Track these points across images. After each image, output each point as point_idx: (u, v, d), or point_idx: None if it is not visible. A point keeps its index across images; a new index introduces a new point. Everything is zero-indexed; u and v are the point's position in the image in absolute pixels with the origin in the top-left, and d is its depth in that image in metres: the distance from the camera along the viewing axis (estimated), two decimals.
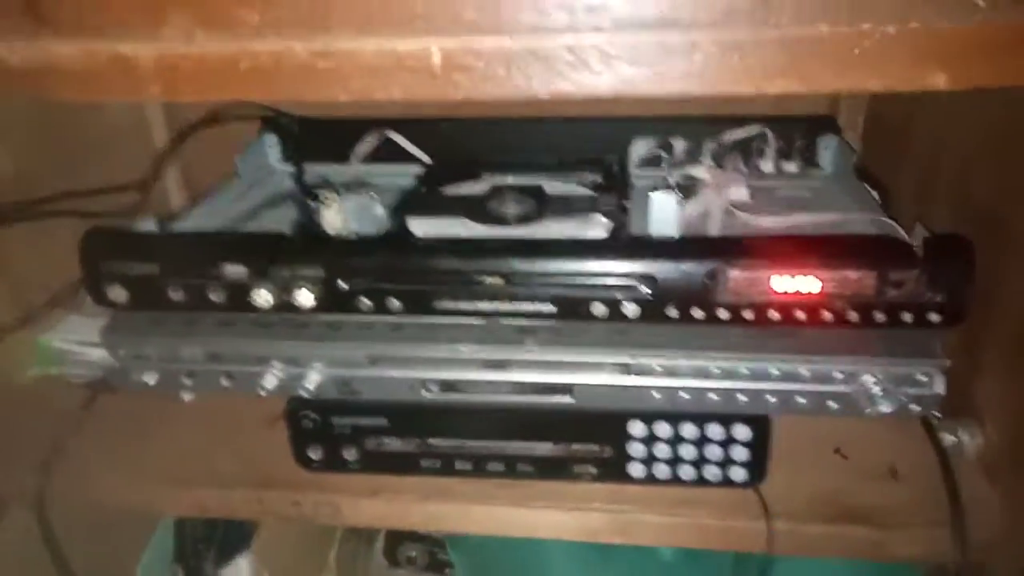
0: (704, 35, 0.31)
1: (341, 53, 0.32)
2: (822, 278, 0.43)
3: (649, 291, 0.45)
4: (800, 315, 0.45)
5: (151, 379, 0.51)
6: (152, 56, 0.33)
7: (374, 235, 0.51)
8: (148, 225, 0.54)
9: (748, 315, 0.45)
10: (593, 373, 0.47)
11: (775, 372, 0.46)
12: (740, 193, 0.60)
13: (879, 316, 0.44)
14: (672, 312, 0.45)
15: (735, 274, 0.44)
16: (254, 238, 0.48)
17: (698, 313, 0.45)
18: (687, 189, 0.59)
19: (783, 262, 0.44)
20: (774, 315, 0.45)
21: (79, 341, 0.63)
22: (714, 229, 0.55)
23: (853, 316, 0.44)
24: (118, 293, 0.48)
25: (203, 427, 0.57)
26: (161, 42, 0.33)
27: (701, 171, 0.59)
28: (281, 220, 0.57)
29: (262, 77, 0.33)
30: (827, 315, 0.44)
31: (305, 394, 0.49)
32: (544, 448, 0.49)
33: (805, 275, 0.43)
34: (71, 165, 0.61)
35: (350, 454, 0.51)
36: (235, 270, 0.47)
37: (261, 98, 0.33)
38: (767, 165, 0.66)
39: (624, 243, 0.48)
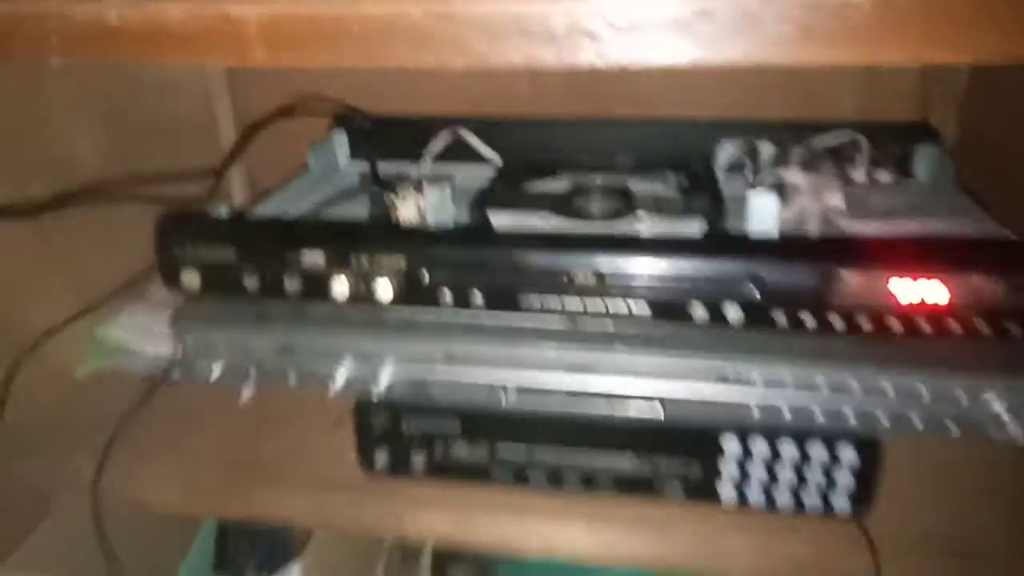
0: None
1: (459, 15, 0.30)
2: (948, 283, 0.40)
3: (757, 293, 0.41)
4: (921, 325, 0.41)
5: (216, 370, 0.49)
6: (258, 17, 0.31)
7: (457, 226, 0.49)
8: (222, 213, 0.52)
9: (863, 323, 0.41)
10: (687, 381, 0.44)
11: (890, 388, 0.42)
12: (836, 199, 0.56)
13: (1011, 328, 0.40)
14: (780, 317, 0.42)
15: (853, 277, 0.40)
16: (334, 226, 0.46)
17: (808, 320, 0.41)
18: (779, 193, 0.56)
19: (905, 265, 0.40)
20: (892, 324, 0.41)
21: (138, 333, 0.62)
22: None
23: (981, 327, 0.40)
24: (192, 278, 0.47)
25: (262, 425, 0.55)
26: (269, 2, 0.31)
27: (794, 175, 0.56)
28: (356, 213, 0.55)
29: (373, 41, 0.31)
30: (952, 325, 0.40)
31: (376, 393, 0.47)
32: (627, 462, 0.46)
33: (929, 280, 0.40)
34: (139, 153, 0.60)
35: (418, 459, 0.48)
36: (314, 257, 0.45)
37: (371, 64, 0.31)
38: (859, 173, 0.62)
39: (730, 240, 0.44)
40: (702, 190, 0.53)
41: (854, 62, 0.29)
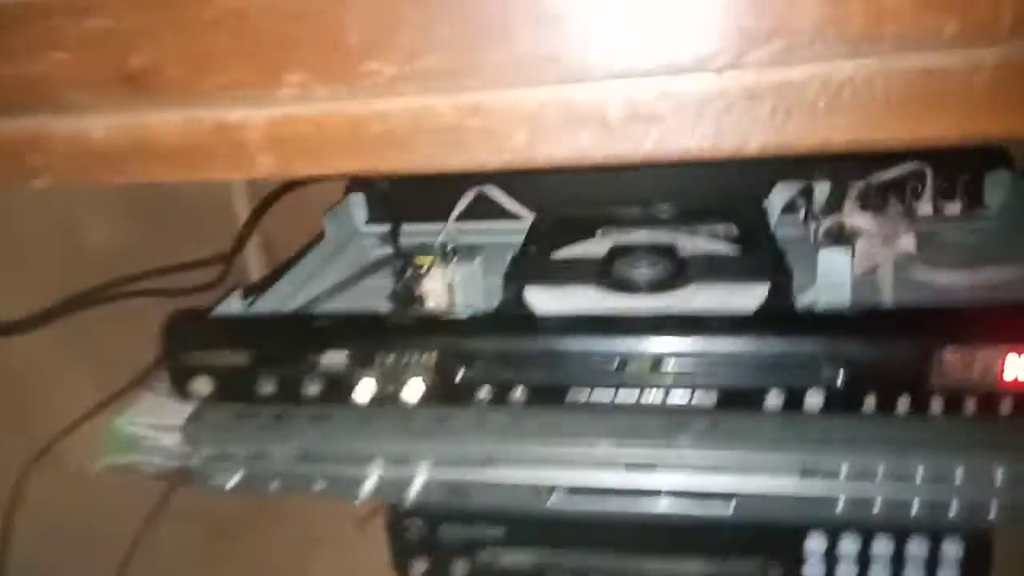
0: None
1: (495, 107, 0.25)
2: None
3: (841, 376, 0.36)
4: None
5: (235, 479, 0.45)
6: (263, 122, 0.27)
7: (490, 313, 0.44)
8: (234, 303, 0.48)
9: (968, 405, 0.35)
10: (762, 475, 0.38)
11: (999, 475, 0.36)
12: (907, 242, 0.51)
13: None
14: (869, 403, 0.36)
15: (951, 355, 0.35)
16: (355, 321, 0.41)
17: (903, 403, 0.36)
18: (843, 239, 0.50)
19: (1016, 338, 0.34)
20: (1002, 405, 0.35)
21: (154, 425, 0.58)
22: (887, 289, 0.46)
23: None
24: (202, 385, 0.42)
25: (290, 528, 0.50)
26: (274, 105, 0.26)
27: (859, 218, 0.50)
28: (377, 291, 0.51)
29: (396, 142, 0.26)
30: None
31: (410, 498, 0.42)
32: (696, 567, 0.41)
33: None
34: (153, 236, 0.56)
35: (460, 570, 0.43)
36: (334, 359, 0.40)
37: (395, 168, 0.27)
38: (925, 206, 0.57)
39: (805, 315, 0.39)
40: (758, 244, 0.48)
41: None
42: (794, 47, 0.23)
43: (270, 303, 0.52)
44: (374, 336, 0.40)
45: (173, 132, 0.27)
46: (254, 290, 0.51)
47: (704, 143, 0.24)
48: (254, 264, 0.67)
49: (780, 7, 0.22)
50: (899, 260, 0.48)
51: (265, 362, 0.41)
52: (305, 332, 0.41)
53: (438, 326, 0.40)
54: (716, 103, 0.24)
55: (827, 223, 0.51)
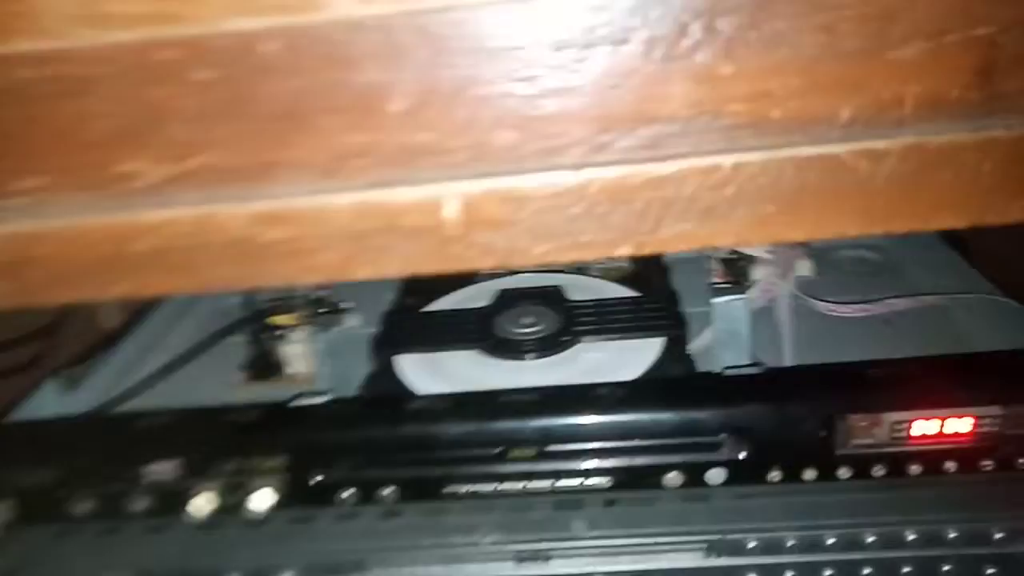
0: None
1: (298, 216, 0.19)
2: (980, 415, 0.32)
3: (742, 449, 0.33)
4: (948, 465, 0.33)
5: None
6: None
7: (350, 399, 0.38)
8: (49, 394, 0.41)
9: (878, 471, 0.33)
10: (667, 556, 0.35)
11: (913, 538, 0.34)
12: (804, 268, 0.48)
13: None
14: (774, 475, 0.33)
15: (862, 419, 0.32)
16: (187, 420, 0.35)
17: (809, 473, 0.33)
18: (736, 269, 0.47)
19: (929, 398, 0.32)
20: (912, 468, 0.33)
21: None
22: (785, 327, 0.43)
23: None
24: (5, 509, 0.35)
25: None
26: (5, 220, 0.20)
27: (757, 246, 0.47)
28: (229, 359, 0.44)
29: (170, 261, 0.20)
30: (987, 461, 0.33)
31: None
32: None
33: (960, 416, 0.32)
34: None
35: None
36: (164, 469, 0.33)
37: (172, 291, 0.20)
38: None
39: (703, 382, 0.35)
40: (652, 283, 0.44)
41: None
42: (664, 138, 0.18)
43: (101, 384, 0.44)
44: (210, 438, 0.34)
45: None
46: (77, 370, 0.43)
47: (561, 251, 0.20)
48: (105, 316, 0.58)
49: (644, 91, 0.18)
50: (798, 292, 0.46)
51: (80, 477, 0.34)
52: (126, 438, 0.34)
53: (287, 420, 0.34)
54: (573, 206, 0.19)
55: (723, 252, 0.48)
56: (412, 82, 0.19)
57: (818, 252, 0.50)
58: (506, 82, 0.18)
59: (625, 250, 0.19)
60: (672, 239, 0.19)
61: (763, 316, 0.44)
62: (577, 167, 0.19)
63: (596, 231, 0.19)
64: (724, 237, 0.19)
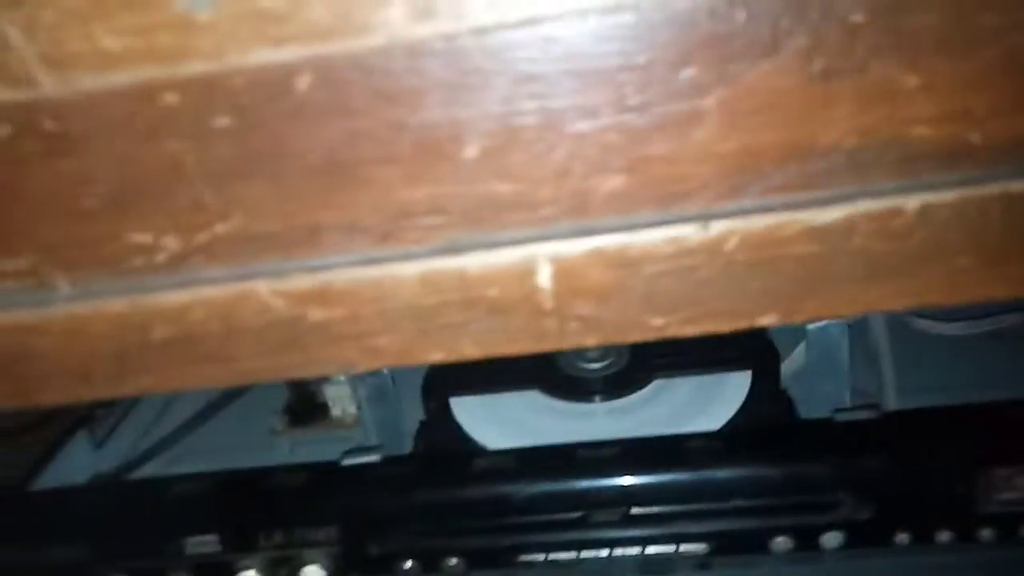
0: None
1: (355, 290, 0.15)
2: None
3: (863, 508, 0.28)
4: None
5: None
6: None
7: (408, 456, 0.34)
8: (79, 451, 0.38)
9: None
10: None
11: None
12: None
13: None
14: (901, 537, 0.28)
15: (1009, 470, 0.27)
16: (227, 485, 0.31)
17: (944, 535, 0.28)
18: None
19: None
20: None
21: None
22: (884, 351, 0.38)
23: None
24: None
25: None
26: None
27: None
28: (266, 404, 0.41)
29: (199, 350, 0.16)
30: None
31: None
32: None
33: None
34: None
35: None
36: (203, 544, 0.30)
37: (201, 384, 0.17)
38: None
39: (812, 429, 0.31)
40: None
41: None
42: (824, 175, 0.14)
43: (131, 434, 0.41)
44: (254, 506, 0.30)
45: None
46: (106, 420, 0.40)
47: (688, 323, 0.15)
48: None
49: (798, 114, 0.13)
50: (902, 315, 0.41)
51: (110, 555, 0.31)
52: (161, 508, 0.31)
53: (337, 483, 0.31)
54: (702, 267, 0.15)
55: None
56: (489, 119, 0.14)
57: None
58: (611, 113, 0.14)
59: (771, 319, 0.15)
60: (833, 304, 0.15)
61: (855, 335, 0.39)
62: (706, 218, 0.14)
63: (733, 297, 0.15)
64: (903, 299, 0.15)
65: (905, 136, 0.14)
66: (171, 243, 0.16)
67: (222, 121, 0.14)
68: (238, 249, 0.16)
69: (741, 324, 0.15)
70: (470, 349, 0.16)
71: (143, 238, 0.16)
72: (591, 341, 0.16)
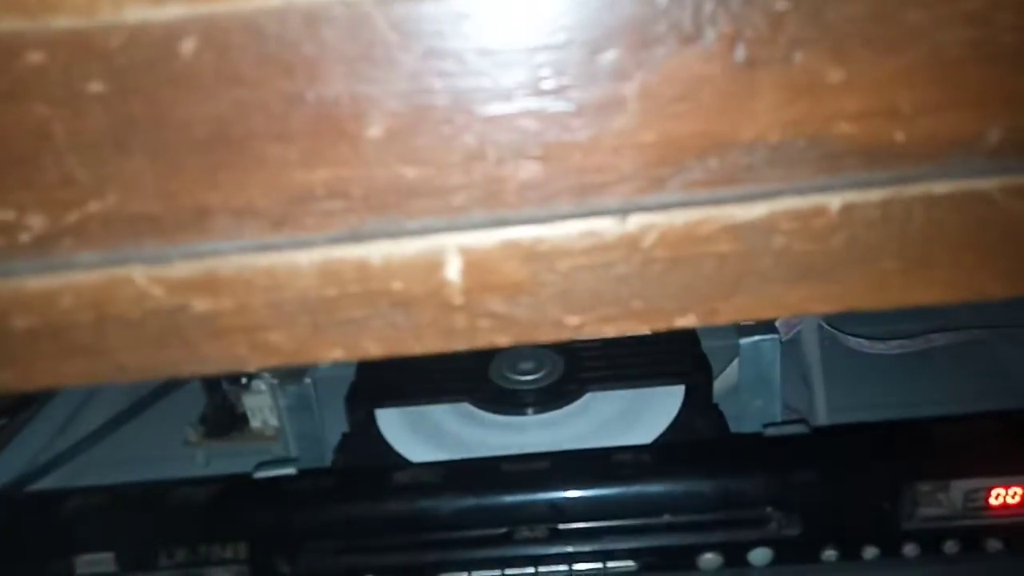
0: None
1: (245, 280, 0.14)
2: None
3: (791, 524, 0.27)
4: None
5: None
6: None
7: (326, 469, 0.32)
8: None
9: (950, 547, 0.28)
10: None
11: None
12: None
13: None
14: (828, 554, 0.28)
15: (932, 487, 0.27)
16: (127, 498, 0.29)
17: (870, 551, 0.28)
18: None
19: (1010, 461, 0.27)
20: (990, 543, 0.28)
21: None
22: (815, 368, 0.38)
23: None
24: None
25: None
26: None
27: None
28: (181, 412, 0.39)
29: (67, 342, 0.15)
30: None
31: None
32: None
33: None
34: None
35: None
36: (96, 562, 0.28)
37: (68, 381, 0.15)
38: None
39: (747, 443, 0.30)
40: None
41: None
42: (746, 169, 0.13)
43: (33, 441, 0.38)
44: (156, 522, 0.28)
45: None
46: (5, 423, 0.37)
47: (604, 322, 0.14)
48: None
49: (720, 105, 0.13)
50: (825, 325, 0.41)
51: None
52: (51, 527, 0.29)
53: (248, 497, 0.29)
54: (620, 263, 0.14)
55: None
56: (394, 97, 0.13)
57: None
58: (526, 96, 0.13)
59: (690, 320, 0.14)
60: (755, 305, 0.14)
61: (788, 350, 0.40)
62: (625, 211, 0.14)
63: (652, 296, 0.14)
64: (827, 302, 0.14)
65: (829, 132, 0.13)
66: (37, 222, 0.14)
67: (96, 86, 0.13)
68: (113, 231, 0.14)
69: (660, 325, 0.14)
70: (372, 347, 0.15)
71: (4, 215, 0.14)
72: (503, 340, 0.15)
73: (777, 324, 0.39)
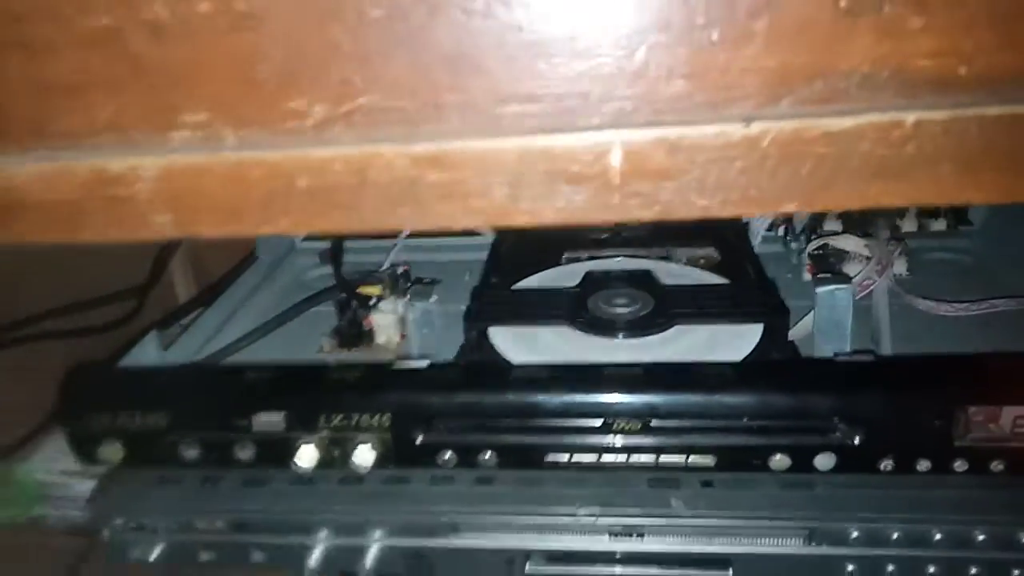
0: None
1: (462, 159, 0.19)
2: None
3: (855, 434, 0.32)
4: None
5: (157, 551, 0.38)
6: (155, 173, 0.20)
7: (452, 363, 0.38)
8: (149, 347, 0.42)
9: (996, 466, 0.32)
10: (764, 541, 0.34)
11: None
12: (900, 265, 0.47)
13: None
14: (886, 463, 0.32)
15: (982, 412, 0.31)
16: (292, 376, 0.35)
17: (923, 464, 0.32)
18: (831, 264, 0.46)
19: None
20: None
21: (67, 471, 0.51)
22: (884, 322, 0.42)
23: None
24: (112, 451, 0.36)
25: None
26: (169, 152, 0.20)
27: (847, 240, 0.46)
28: (317, 325, 0.45)
29: (332, 199, 0.20)
30: None
31: (365, 568, 0.36)
32: None
33: None
34: (54, 265, 0.49)
35: None
36: (269, 422, 0.34)
37: (334, 228, 0.21)
38: (909, 223, 0.53)
39: (817, 367, 0.35)
40: (744, 273, 0.44)
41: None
42: (842, 91, 0.18)
43: (193, 343, 0.45)
44: (315, 395, 0.34)
45: (38, 186, 0.21)
46: (173, 328, 0.45)
47: (726, 205, 0.19)
48: (181, 287, 0.60)
49: (826, 42, 0.17)
50: (895, 288, 0.45)
51: (186, 426, 0.35)
52: (233, 391, 0.35)
53: (391, 381, 0.35)
54: (742, 158, 0.19)
55: (812, 245, 0.47)
56: (584, 33, 0.18)
57: (909, 252, 0.49)
58: (683, 28, 0.18)
59: (792, 206, 0.19)
60: (843, 196, 0.19)
61: (859, 311, 0.43)
62: (749, 119, 0.19)
63: (764, 186, 0.19)
64: (896, 196, 0.19)
65: (908, 66, 0.18)
66: (319, 110, 0.20)
67: (377, 11, 0.19)
68: (373, 119, 0.20)
69: (769, 209, 0.19)
70: (551, 216, 0.20)
71: (298, 105, 0.20)
72: (647, 215, 0.20)
73: (852, 283, 0.43)
